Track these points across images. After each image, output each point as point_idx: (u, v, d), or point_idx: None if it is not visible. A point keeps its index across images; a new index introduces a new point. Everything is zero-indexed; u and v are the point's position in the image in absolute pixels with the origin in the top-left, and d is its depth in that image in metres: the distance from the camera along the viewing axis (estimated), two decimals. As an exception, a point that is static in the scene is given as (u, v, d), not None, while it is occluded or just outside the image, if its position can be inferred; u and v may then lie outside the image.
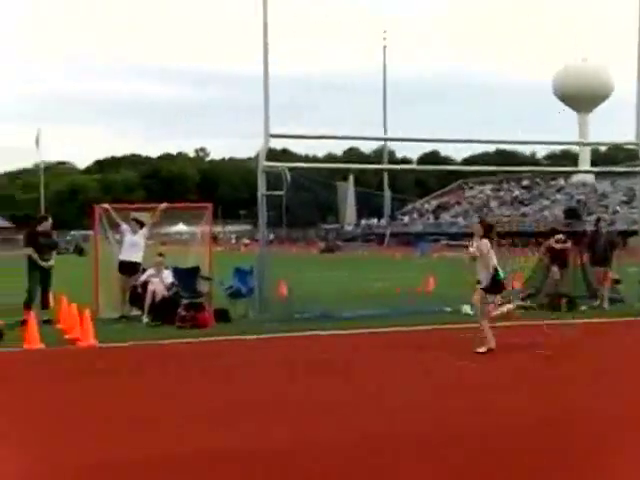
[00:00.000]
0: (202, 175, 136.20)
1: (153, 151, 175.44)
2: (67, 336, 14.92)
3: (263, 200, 18.40)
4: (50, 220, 18.45)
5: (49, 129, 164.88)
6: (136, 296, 17.65)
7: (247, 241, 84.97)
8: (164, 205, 18.78)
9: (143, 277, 17.72)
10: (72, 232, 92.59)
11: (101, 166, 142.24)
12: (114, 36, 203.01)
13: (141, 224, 18.32)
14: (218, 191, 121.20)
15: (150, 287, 17.36)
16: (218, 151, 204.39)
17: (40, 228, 17.99)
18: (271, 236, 23.78)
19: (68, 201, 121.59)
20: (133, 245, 18.14)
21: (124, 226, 18.27)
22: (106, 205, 18.89)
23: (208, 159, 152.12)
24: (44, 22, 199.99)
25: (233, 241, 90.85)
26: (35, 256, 17.43)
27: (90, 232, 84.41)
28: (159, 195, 75.25)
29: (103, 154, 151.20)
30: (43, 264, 17.45)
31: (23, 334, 14.16)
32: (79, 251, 63.43)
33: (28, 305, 16.96)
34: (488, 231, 13.62)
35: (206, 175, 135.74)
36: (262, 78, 17.92)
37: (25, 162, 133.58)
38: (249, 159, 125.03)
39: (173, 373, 11.51)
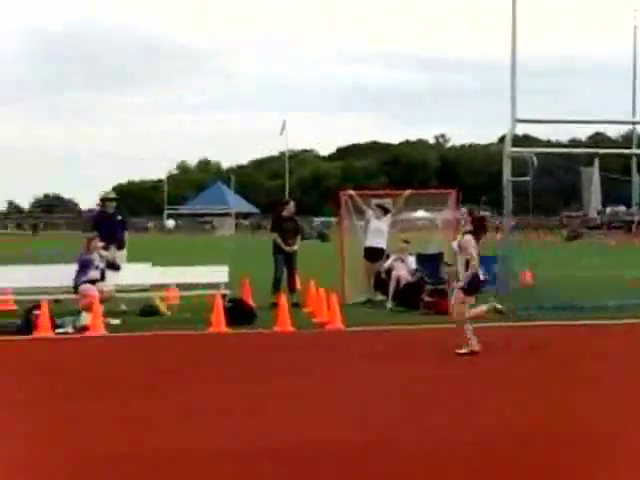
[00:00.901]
0: (442, 161, 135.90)
1: (393, 138, 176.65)
2: (315, 320, 15.32)
3: (508, 186, 18.09)
4: (292, 204, 19.01)
5: (294, 117, 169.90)
6: (380, 281, 17.86)
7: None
8: (408, 192, 18.88)
9: (387, 263, 17.90)
10: (314, 219, 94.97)
11: (342, 153, 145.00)
12: (357, 23, 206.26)
13: (385, 210, 18.51)
14: (458, 177, 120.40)
15: (394, 273, 17.51)
16: (458, 137, 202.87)
17: (285, 213, 18.59)
18: (512, 223, 23.24)
19: (311, 188, 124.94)
20: (377, 231, 18.34)
21: (369, 212, 18.52)
22: (351, 191, 19.23)
23: (448, 145, 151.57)
24: (277, 10, 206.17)
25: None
26: (279, 240, 18.03)
27: (332, 219, 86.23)
28: (399, 182, 75.76)
29: (345, 141, 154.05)
30: (287, 248, 18.01)
31: (274, 317, 14.68)
32: (321, 237, 65.13)
33: (277, 288, 17.56)
34: (476, 226, 12.19)
35: (446, 161, 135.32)
36: (503, 62, 17.65)
37: (272, 150, 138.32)
38: (490, 145, 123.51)
39: (416, 359, 11.57)
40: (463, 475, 6.43)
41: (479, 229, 12.23)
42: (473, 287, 12.09)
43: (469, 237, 12.04)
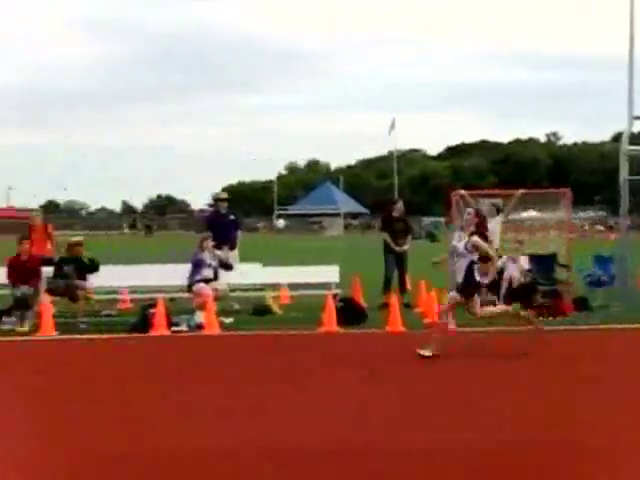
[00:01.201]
0: (554, 160, 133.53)
1: (503, 137, 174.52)
2: (426, 320, 15.24)
3: (625, 185, 17.69)
4: (401, 203, 18.93)
5: (403, 116, 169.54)
6: (492, 282, 17.61)
7: (601, 228, 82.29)
8: (521, 191, 18.58)
9: (499, 263, 17.65)
10: (423, 218, 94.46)
11: (452, 152, 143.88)
12: (466, 23, 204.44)
13: (498, 210, 18.26)
14: (571, 176, 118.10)
15: (506, 273, 17.26)
16: (570, 135, 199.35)
17: (395, 213, 18.53)
18: (628, 222, 22.75)
19: (419, 187, 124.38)
20: (489, 231, 18.09)
21: (481, 212, 18.30)
22: (462, 191, 19.04)
23: (560, 143, 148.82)
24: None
25: (586, 227, 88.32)
26: (389, 240, 17.98)
27: (440, 218, 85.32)
28: (509, 181, 74.79)
29: (454, 140, 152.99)
30: (397, 248, 17.94)
31: (385, 317, 14.66)
32: (430, 237, 64.81)
33: (387, 289, 17.53)
34: (478, 227, 11.70)
35: (558, 160, 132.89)
36: (619, 59, 17.24)
37: (380, 149, 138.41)
38: (603, 143, 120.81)
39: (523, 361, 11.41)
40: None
41: (480, 231, 11.78)
42: (469, 287, 11.66)
43: (477, 237, 11.64)
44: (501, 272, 17.40)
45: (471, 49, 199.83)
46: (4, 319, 14.84)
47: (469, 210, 12.15)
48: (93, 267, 15.87)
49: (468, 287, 11.65)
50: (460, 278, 11.79)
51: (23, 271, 15.19)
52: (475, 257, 11.66)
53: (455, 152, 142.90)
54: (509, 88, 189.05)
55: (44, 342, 13.41)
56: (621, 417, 8.19)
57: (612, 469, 6.53)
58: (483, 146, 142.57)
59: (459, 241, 11.86)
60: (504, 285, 17.12)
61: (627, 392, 9.41)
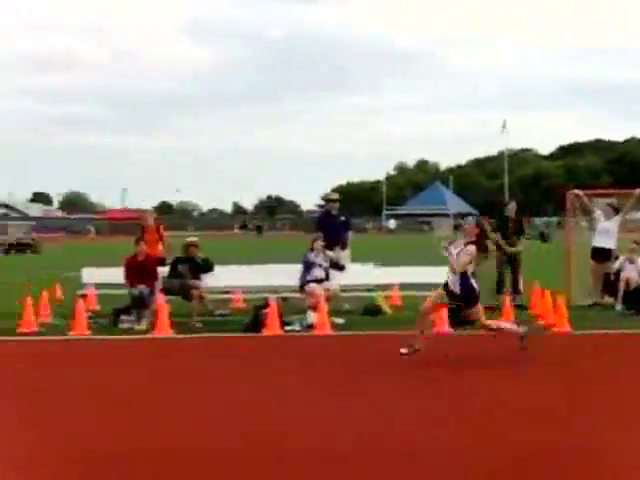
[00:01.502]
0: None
1: (618, 135, 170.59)
2: (541, 322, 14.99)
3: None
4: (514, 204, 18.70)
5: (514, 116, 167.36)
6: (609, 283, 17.27)
7: None
8: (639, 190, 18.12)
9: (616, 264, 17.28)
10: (535, 218, 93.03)
11: (565, 152, 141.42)
12: (575, 20, 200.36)
13: (616, 210, 17.86)
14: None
15: (623, 274, 16.88)
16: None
17: (508, 213, 18.32)
18: None
19: (531, 187, 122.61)
20: (605, 231, 17.74)
21: (597, 212, 17.94)
22: (577, 191, 18.74)
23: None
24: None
25: None
26: (501, 241, 17.75)
27: (552, 218, 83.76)
28: (624, 181, 73.01)
29: (567, 140, 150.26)
30: (509, 249, 17.70)
31: (498, 318, 14.44)
32: (542, 237, 63.19)
33: (499, 290, 17.32)
34: (479, 237, 11.06)
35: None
36: None
37: (491, 149, 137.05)
38: None
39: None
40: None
41: (479, 244, 11.23)
42: (473, 298, 11.23)
43: (473, 248, 11.08)
44: (618, 273, 17.04)
45: (585, 46, 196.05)
46: (122, 317, 15.20)
47: (469, 219, 11.61)
48: (207, 267, 16.12)
49: (469, 296, 11.22)
50: (452, 283, 11.28)
51: (140, 271, 15.53)
52: (472, 269, 11.23)
53: (568, 151, 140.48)
54: (624, 86, 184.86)
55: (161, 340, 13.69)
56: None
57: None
58: (597, 145, 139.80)
59: (455, 249, 11.43)
60: (621, 286, 16.74)
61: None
